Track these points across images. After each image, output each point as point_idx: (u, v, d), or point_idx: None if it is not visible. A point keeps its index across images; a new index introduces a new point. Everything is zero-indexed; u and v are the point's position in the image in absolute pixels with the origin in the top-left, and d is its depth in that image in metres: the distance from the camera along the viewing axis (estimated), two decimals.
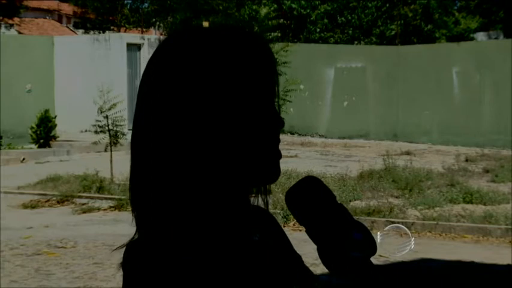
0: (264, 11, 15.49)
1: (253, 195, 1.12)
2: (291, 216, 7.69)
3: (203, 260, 0.97)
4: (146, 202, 1.02)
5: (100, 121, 11.15)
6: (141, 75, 1.08)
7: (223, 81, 1.00)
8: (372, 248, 1.02)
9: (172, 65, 1.02)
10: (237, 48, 1.02)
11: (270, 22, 15.13)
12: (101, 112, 11.02)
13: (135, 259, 0.99)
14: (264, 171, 1.04)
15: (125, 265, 1.00)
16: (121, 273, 1.02)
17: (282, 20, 23.98)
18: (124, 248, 1.03)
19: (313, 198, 1.05)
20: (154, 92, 1.02)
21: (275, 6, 18.50)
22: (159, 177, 1.01)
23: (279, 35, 15.24)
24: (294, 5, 26.92)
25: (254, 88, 1.02)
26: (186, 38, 1.04)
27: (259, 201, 1.13)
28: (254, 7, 19.72)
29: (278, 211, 7.97)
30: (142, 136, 1.03)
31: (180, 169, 1.00)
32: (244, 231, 1.07)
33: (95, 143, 11.37)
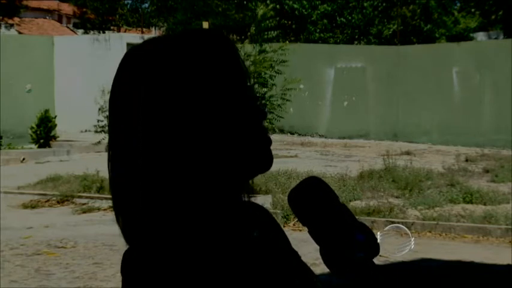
0: (261, 11, 15.50)
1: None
2: (291, 216, 7.69)
3: (204, 261, 0.97)
4: (137, 206, 1.01)
5: (101, 121, 11.15)
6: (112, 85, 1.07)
7: (191, 84, 1.01)
8: (375, 249, 1.02)
9: (147, 73, 1.02)
10: (197, 50, 1.03)
11: (267, 21, 15.13)
12: (102, 112, 11.04)
13: (134, 264, 0.98)
14: (256, 160, 1.05)
15: (124, 271, 0.99)
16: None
17: (283, 20, 24.01)
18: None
19: (315, 199, 1.04)
20: (134, 101, 1.01)
21: (273, 5, 18.52)
22: (150, 181, 1.00)
23: (275, 34, 15.23)
24: (295, 5, 26.92)
25: (223, 86, 1.02)
26: (149, 48, 1.05)
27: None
28: (259, 5, 19.73)
29: (278, 211, 7.96)
30: (127, 142, 1.02)
31: (172, 171, 1.00)
32: (242, 228, 1.07)
33: (98, 142, 11.37)
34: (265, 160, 1.06)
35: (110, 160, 1.06)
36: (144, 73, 1.02)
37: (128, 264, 0.99)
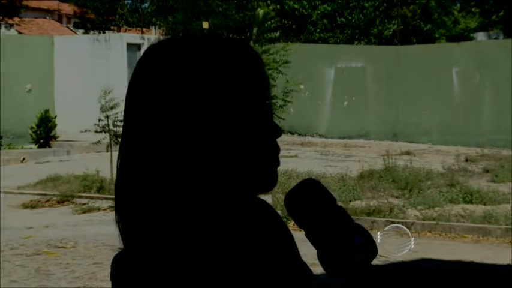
0: (261, 12, 15.47)
1: None
2: None
3: (200, 266, 0.95)
4: (139, 207, 1.00)
5: (102, 120, 11.15)
6: (130, 81, 1.05)
7: (217, 92, 0.99)
8: (373, 251, 1.02)
9: (169, 73, 1.00)
10: (229, 58, 1.02)
11: (269, 22, 15.11)
12: (103, 112, 11.03)
13: (124, 270, 0.97)
14: (261, 180, 1.03)
15: (115, 276, 0.98)
16: None
17: (283, 20, 24.00)
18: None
19: (312, 201, 1.03)
20: (151, 102, 1.00)
21: (274, 6, 18.51)
22: (151, 182, 0.99)
23: (277, 35, 15.22)
24: (296, 6, 26.92)
25: (248, 98, 1.01)
26: (177, 47, 1.03)
27: None
28: (261, 4, 19.72)
29: (278, 211, 7.95)
30: (136, 146, 1.01)
31: (175, 177, 0.99)
32: (240, 230, 1.05)
33: (97, 141, 11.34)
34: (269, 182, 1.04)
35: (119, 155, 1.05)
36: (161, 74, 1.01)
37: (120, 269, 0.98)
